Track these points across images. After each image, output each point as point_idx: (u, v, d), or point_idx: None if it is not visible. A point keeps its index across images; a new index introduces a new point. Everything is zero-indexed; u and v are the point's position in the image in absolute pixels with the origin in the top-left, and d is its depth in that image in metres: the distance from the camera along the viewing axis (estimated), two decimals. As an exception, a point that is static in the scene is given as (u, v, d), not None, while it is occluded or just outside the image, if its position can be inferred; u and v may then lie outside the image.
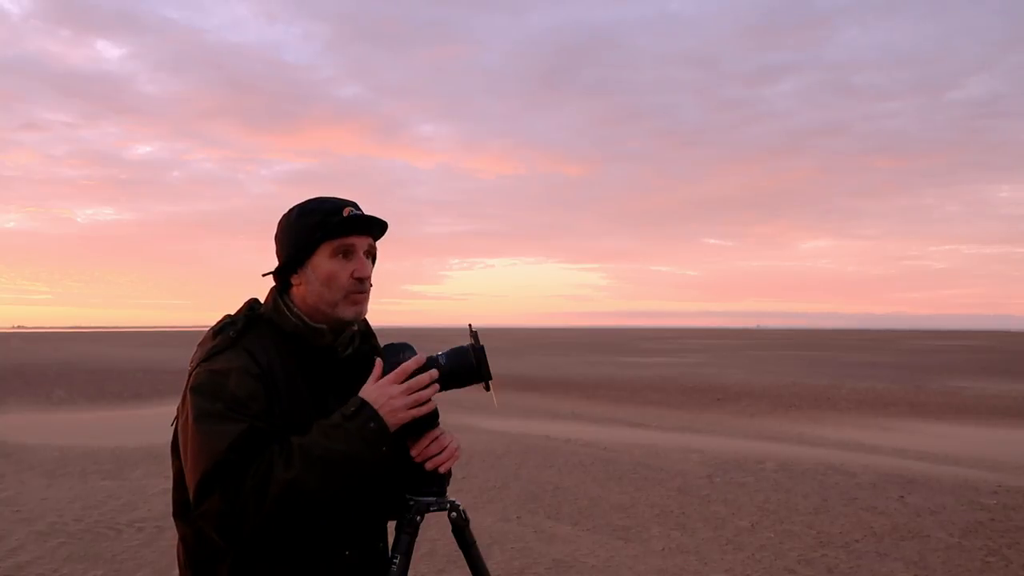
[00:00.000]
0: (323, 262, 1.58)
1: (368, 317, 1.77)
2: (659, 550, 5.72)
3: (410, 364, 1.53)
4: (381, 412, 1.48)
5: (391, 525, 1.68)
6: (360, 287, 1.60)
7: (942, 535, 6.10)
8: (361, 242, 1.60)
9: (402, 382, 1.52)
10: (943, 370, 31.21)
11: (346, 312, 1.59)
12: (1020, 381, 24.97)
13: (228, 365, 1.50)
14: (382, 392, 1.50)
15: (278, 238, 1.65)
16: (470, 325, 1.62)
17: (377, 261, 1.69)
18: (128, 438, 10.55)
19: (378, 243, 1.68)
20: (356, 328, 1.68)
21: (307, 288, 1.60)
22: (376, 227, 1.64)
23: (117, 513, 6.52)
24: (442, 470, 1.60)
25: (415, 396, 1.51)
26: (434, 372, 1.54)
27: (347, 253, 1.59)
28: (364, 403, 1.49)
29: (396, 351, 1.59)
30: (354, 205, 1.62)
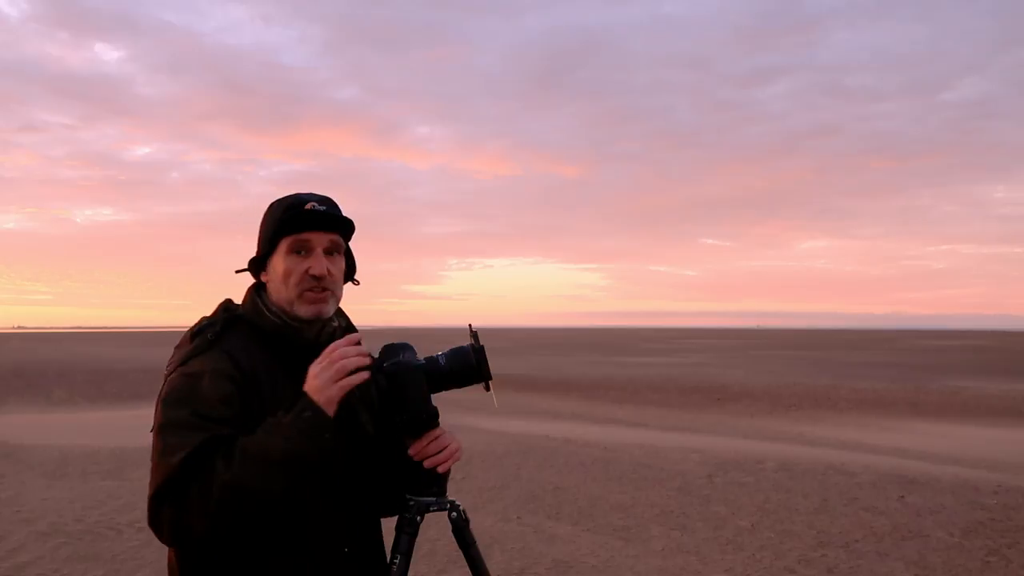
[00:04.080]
0: (280, 258, 1.55)
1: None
2: (659, 550, 5.71)
3: (341, 342, 1.46)
4: (313, 397, 1.41)
5: (390, 525, 1.68)
6: (316, 285, 1.53)
7: (942, 535, 6.10)
8: (319, 238, 1.54)
9: None
10: (943, 370, 31.22)
11: (302, 310, 1.53)
12: (1020, 381, 24.97)
13: (202, 367, 1.47)
14: (309, 375, 1.44)
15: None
16: (470, 325, 1.62)
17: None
18: (128, 438, 10.54)
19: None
20: (337, 324, 1.63)
21: (271, 285, 1.57)
22: (338, 224, 1.56)
23: (117, 513, 6.52)
24: (441, 470, 1.58)
25: (339, 365, 1.42)
26: (356, 335, 1.48)
27: (304, 249, 1.53)
28: (303, 394, 1.43)
29: (395, 351, 1.59)
30: (326, 201, 1.57)
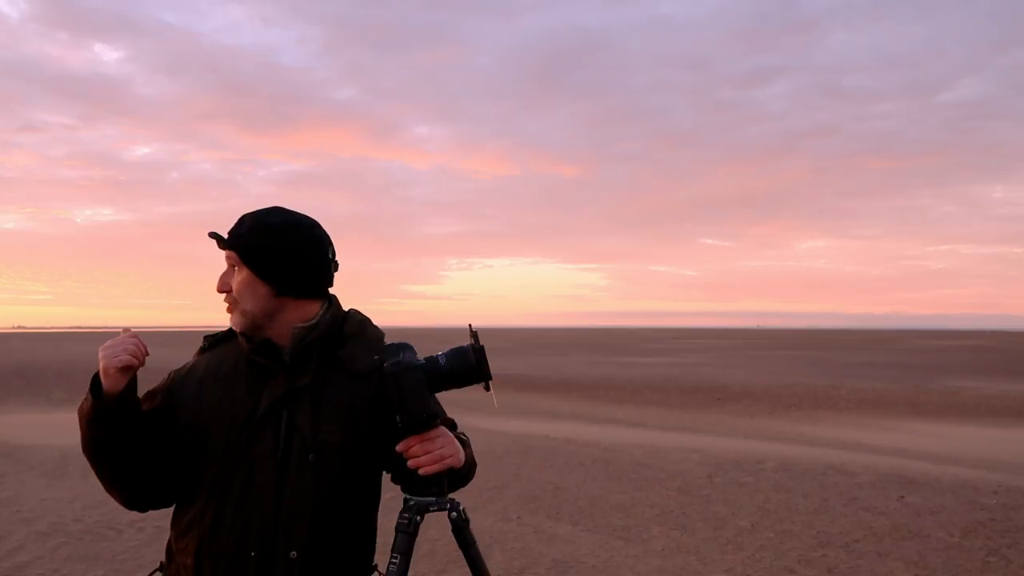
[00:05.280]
0: None
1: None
2: (659, 550, 5.72)
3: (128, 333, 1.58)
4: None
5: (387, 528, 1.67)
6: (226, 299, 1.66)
7: (942, 535, 6.10)
8: (224, 256, 1.65)
9: None
10: (943, 370, 31.22)
11: None
12: (1020, 381, 24.97)
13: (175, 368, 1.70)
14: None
15: None
16: (470, 325, 1.61)
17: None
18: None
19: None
20: (304, 327, 1.63)
21: None
22: (224, 241, 1.62)
23: (117, 513, 6.51)
24: (421, 472, 1.56)
25: (118, 349, 1.52)
26: (128, 328, 1.59)
27: None
28: None
29: (396, 351, 1.58)
30: (240, 219, 1.65)
